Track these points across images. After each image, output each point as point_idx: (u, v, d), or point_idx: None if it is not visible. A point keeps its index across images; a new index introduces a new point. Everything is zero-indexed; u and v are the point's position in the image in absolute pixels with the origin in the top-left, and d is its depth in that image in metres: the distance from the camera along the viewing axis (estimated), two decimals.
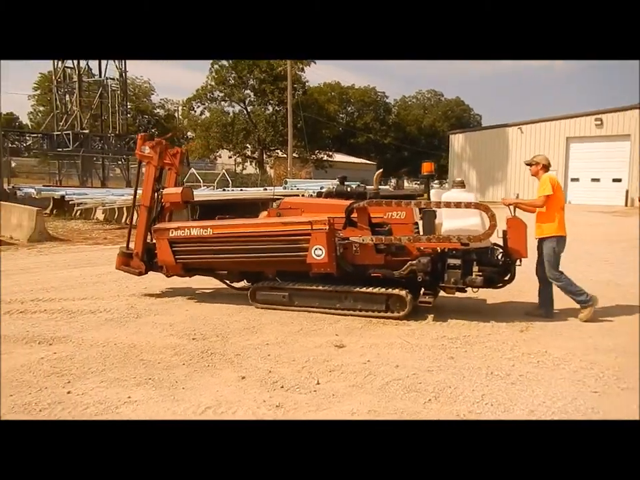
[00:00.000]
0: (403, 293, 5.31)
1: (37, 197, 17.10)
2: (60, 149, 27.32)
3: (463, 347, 4.56)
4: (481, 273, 5.26)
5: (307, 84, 38.95)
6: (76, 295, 6.46)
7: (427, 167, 5.92)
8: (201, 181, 22.99)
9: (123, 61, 27.54)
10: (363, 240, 5.45)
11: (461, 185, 5.82)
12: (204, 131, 38.82)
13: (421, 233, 5.43)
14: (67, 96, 28.26)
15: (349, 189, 6.10)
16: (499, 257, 5.48)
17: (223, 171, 26.01)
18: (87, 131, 27.67)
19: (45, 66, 58.45)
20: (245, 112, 38.86)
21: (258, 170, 38.60)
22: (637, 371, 3.91)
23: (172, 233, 6.06)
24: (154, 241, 6.35)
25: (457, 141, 35.81)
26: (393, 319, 5.36)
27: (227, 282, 6.46)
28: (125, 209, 14.91)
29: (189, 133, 47.48)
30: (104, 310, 5.76)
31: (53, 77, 28.68)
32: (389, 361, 4.23)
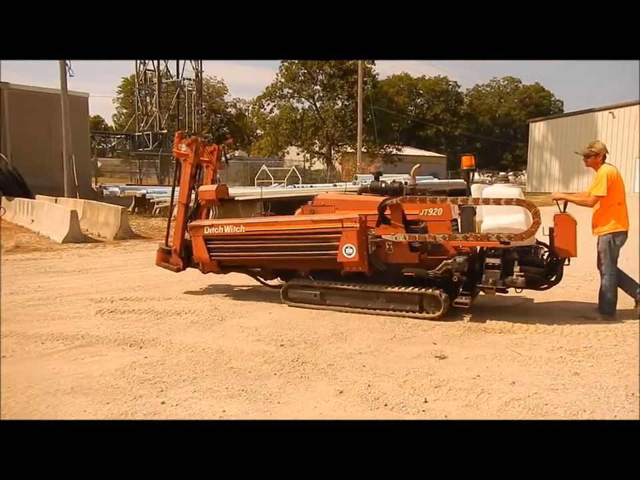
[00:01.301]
0: (437, 292, 5.11)
1: (120, 195, 17.84)
2: (141, 149, 28.54)
3: (587, 361, 4.04)
4: (522, 274, 4.96)
5: (376, 77, 38.31)
6: (161, 295, 6.47)
7: (466, 161, 5.65)
8: (272, 177, 23.11)
9: (199, 62, 28.26)
10: (396, 238, 5.23)
11: (505, 179, 5.55)
12: (273, 128, 39.19)
13: (460, 231, 5.17)
14: (148, 98, 29.43)
15: (383, 185, 5.81)
16: (544, 256, 5.19)
17: (293, 167, 26.06)
18: (165, 131, 28.69)
19: (128, 70, 61.56)
20: (314, 108, 38.80)
21: (326, 166, 38.49)
22: None
23: (206, 230, 6.09)
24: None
25: (538, 129, 33.91)
26: (427, 320, 5.16)
27: (261, 279, 6.45)
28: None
29: (257, 131, 48.29)
30: (189, 311, 5.70)
31: (136, 80, 29.95)
32: (501, 375, 3.80)
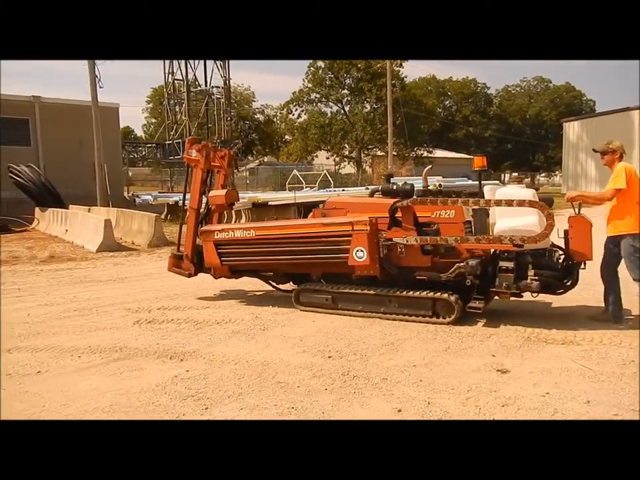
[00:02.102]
0: (451, 297, 4.97)
1: (153, 203, 17.89)
2: (171, 157, 28.73)
3: None
4: (537, 277, 4.81)
5: (404, 79, 37.88)
6: (199, 304, 6.28)
7: (478, 162, 5.52)
8: (303, 182, 22.95)
9: (227, 70, 28.37)
10: (407, 241, 5.11)
11: (518, 180, 5.40)
12: (302, 133, 39.11)
13: (473, 233, 5.06)
14: (177, 107, 29.68)
15: (394, 187, 5.68)
16: (559, 259, 5.03)
17: (325, 171, 25.88)
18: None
19: (156, 80, 62.70)
20: (342, 112, 38.57)
21: (356, 169, 38.16)
22: None
23: (217, 235, 6.05)
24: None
25: (572, 129, 32.90)
26: (439, 324, 5.02)
27: (273, 284, 6.39)
28: (233, 213, 15.07)
29: (286, 136, 48.27)
30: (229, 320, 5.47)
31: (164, 90, 30.27)
32: (573, 393, 3.43)
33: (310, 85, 37.93)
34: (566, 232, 4.91)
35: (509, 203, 4.75)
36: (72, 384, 3.80)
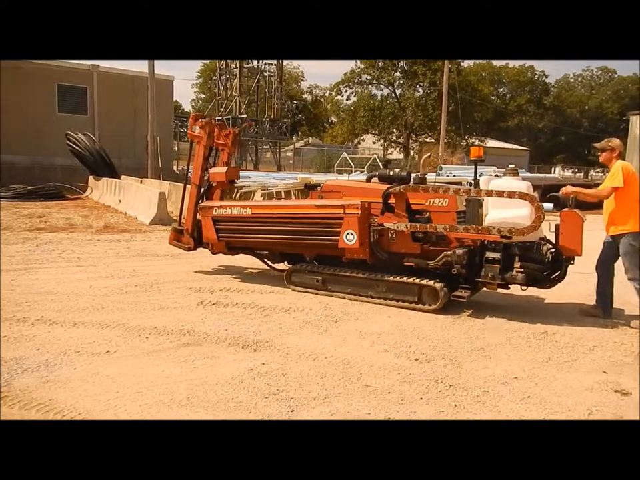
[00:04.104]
0: (436, 285, 4.98)
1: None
2: None
3: None
4: (522, 270, 4.78)
5: (461, 64, 36.51)
6: (263, 288, 5.95)
7: (475, 152, 5.55)
8: (352, 165, 22.44)
9: None
10: (398, 227, 5.14)
11: (514, 172, 5.31)
12: (350, 115, 38.42)
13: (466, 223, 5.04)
14: (227, 82, 29.48)
15: (391, 173, 5.66)
16: (547, 253, 4.98)
17: (374, 155, 25.28)
18: (244, 116, 28.66)
19: None
20: (394, 95, 37.60)
21: (403, 155, 37.27)
22: None
23: (215, 212, 6.17)
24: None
25: (638, 122, 30.90)
26: (424, 312, 5.04)
27: (269, 262, 6.48)
28: (282, 192, 14.78)
29: (331, 118, 47.61)
30: (297, 309, 5.13)
31: (217, 65, 30.11)
32: None
33: (362, 66, 37.08)
34: (557, 227, 4.88)
35: (500, 194, 4.74)
36: (143, 368, 3.54)
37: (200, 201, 6.54)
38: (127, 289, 5.69)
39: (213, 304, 5.20)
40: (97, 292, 5.50)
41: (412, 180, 5.51)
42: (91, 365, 3.56)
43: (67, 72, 20.22)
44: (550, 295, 5.72)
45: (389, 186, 5.27)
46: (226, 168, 6.52)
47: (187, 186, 7.14)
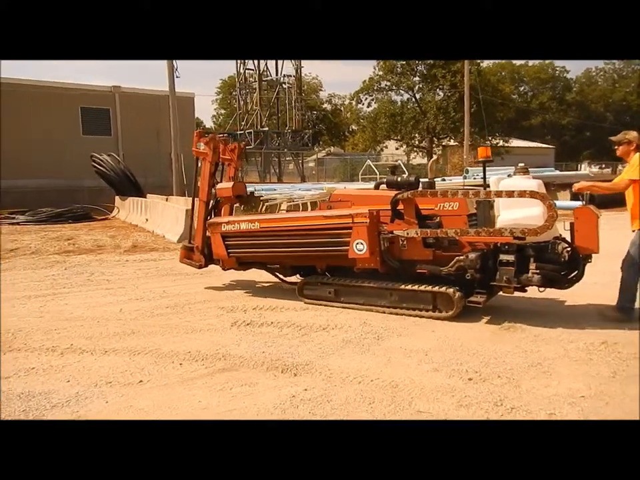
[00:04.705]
0: (450, 291, 4.83)
1: None
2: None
3: None
4: (538, 271, 4.64)
5: (481, 64, 35.97)
6: (296, 304, 5.72)
7: (482, 152, 5.42)
8: (377, 172, 22.17)
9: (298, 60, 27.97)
10: (408, 233, 5.00)
11: (524, 171, 5.12)
12: (371, 122, 38.17)
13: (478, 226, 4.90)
14: (247, 97, 29.62)
15: (399, 179, 5.50)
16: (563, 252, 4.79)
17: (399, 161, 24.97)
18: (266, 129, 28.71)
19: (225, 71, 63.59)
20: (414, 100, 37.23)
21: (427, 160, 36.79)
22: None
23: (224, 227, 6.12)
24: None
25: None
26: (440, 320, 4.89)
27: (280, 276, 6.40)
28: (309, 204, 14.61)
29: (352, 126, 47.41)
30: (335, 326, 4.88)
31: (236, 80, 30.30)
32: None
33: (381, 73, 36.85)
34: (572, 224, 4.72)
35: (510, 194, 4.59)
36: (179, 399, 3.33)
37: (208, 218, 6.50)
38: (157, 311, 5.53)
39: (247, 324, 4.99)
40: (127, 316, 5.35)
41: (420, 185, 5.40)
42: (123, 397, 3.37)
43: (90, 94, 20.59)
44: (592, 298, 5.37)
45: (396, 192, 5.13)
46: (232, 183, 6.47)
47: (196, 203, 7.00)
